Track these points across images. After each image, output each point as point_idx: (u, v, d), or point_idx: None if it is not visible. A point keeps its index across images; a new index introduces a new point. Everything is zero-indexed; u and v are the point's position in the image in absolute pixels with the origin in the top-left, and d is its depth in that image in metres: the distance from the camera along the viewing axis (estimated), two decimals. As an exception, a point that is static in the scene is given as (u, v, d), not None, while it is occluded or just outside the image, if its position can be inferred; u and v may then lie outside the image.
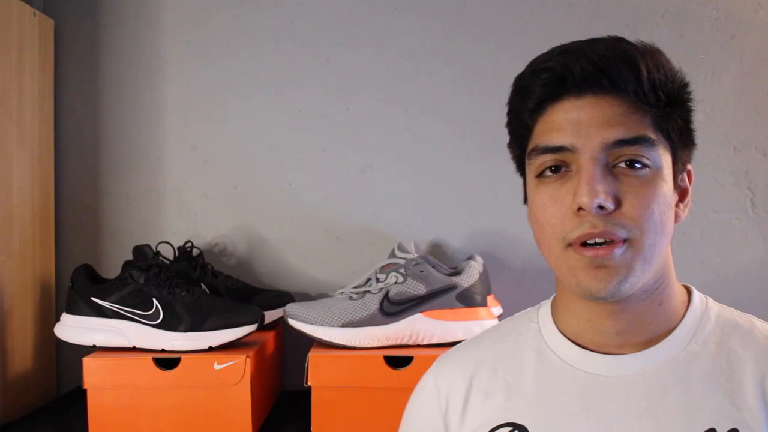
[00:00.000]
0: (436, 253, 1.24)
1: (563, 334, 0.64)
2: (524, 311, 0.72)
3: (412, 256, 1.05)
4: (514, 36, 1.23)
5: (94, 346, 1.01)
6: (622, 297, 0.57)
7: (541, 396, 0.61)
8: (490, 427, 0.62)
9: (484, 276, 1.08)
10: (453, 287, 1.03)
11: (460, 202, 1.24)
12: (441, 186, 1.25)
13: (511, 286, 1.22)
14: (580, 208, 0.56)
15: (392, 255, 1.07)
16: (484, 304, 1.06)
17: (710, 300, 0.64)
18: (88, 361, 0.97)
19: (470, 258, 1.11)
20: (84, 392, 0.98)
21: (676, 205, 0.60)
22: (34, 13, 1.17)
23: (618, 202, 0.55)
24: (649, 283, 0.59)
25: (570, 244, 0.57)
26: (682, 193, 0.62)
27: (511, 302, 1.19)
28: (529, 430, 0.60)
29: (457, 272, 1.06)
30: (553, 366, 0.62)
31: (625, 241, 0.56)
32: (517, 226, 1.24)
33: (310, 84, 1.25)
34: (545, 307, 0.69)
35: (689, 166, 0.62)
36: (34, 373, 1.16)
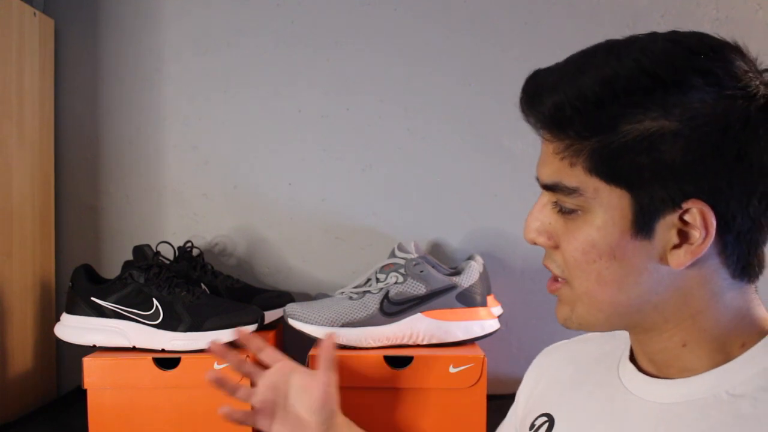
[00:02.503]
0: (436, 253, 1.24)
1: (632, 350, 0.61)
2: None
3: (412, 256, 1.05)
4: (514, 36, 1.23)
5: (94, 346, 1.01)
6: (580, 328, 0.57)
7: (581, 397, 0.62)
8: (535, 415, 0.65)
9: (484, 276, 1.08)
10: (453, 287, 1.03)
11: (460, 202, 1.24)
12: (441, 186, 1.25)
13: (511, 286, 1.22)
14: None
15: (392, 255, 1.07)
16: (484, 304, 1.06)
17: None
18: (88, 361, 0.97)
19: (470, 258, 1.11)
20: (84, 392, 0.98)
21: (678, 246, 0.50)
22: (34, 13, 1.17)
23: (557, 241, 0.54)
24: (641, 323, 0.54)
25: None
26: (681, 236, 0.50)
27: (511, 302, 1.19)
28: (555, 420, 0.62)
29: (457, 272, 1.06)
30: (609, 377, 0.61)
31: (564, 279, 0.55)
32: (517, 226, 1.24)
33: (310, 84, 1.25)
34: None
35: (693, 206, 0.49)
36: (34, 373, 1.16)
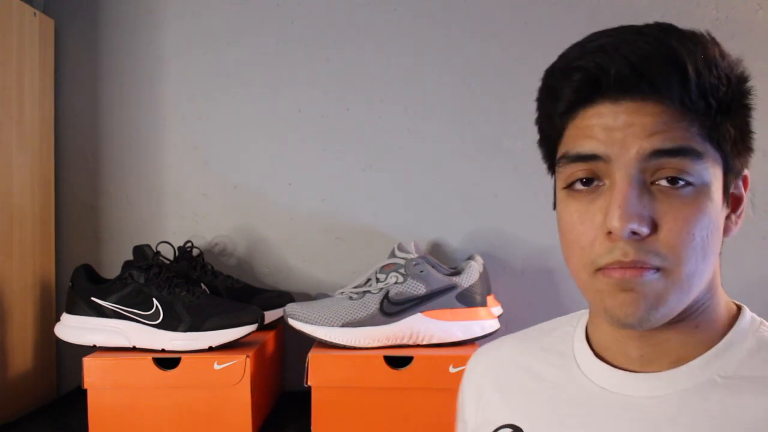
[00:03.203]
0: (436, 253, 1.24)
1: (590, 344, 0.59)
2: (577, 312, 0.66)
3: (412, 256, 1.05)
4: (514, 36, 1.23)
5: (94, 346, 1.01)
6: (653, 326, 0.51)
7: (547, 401, 0.59)
8: (495, 426, 0.60)
9: (484, 276, 1.08)
10: (453, 287, 1.03)
11: (460, 202, 1.24)
12: (441, 186, 1.25)
13: (511, 286, 1.22)
14: (610, 232, 0.49)
15: (392, 255, 1.07)
16: (484, 304, 1.06)
17: (766, 324, 0.55)
18: (88, 361, 0.97)
19: (470, 258, 1.11)
20: (84, 392, 0.98)
21: (728, 217, 0.53)
22: (34, 13, 1.17)
23: (654, 226, 0.49)
24: (686, 308, 0.52)
25: (599, 269, 0.51)
26: (735, 202, 0.53)
27: (511, 302, 1.19)
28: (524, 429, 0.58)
29: (457, 272, 1.06)
30: (571, 376, 0.59)
31: (659, 269, 0.49)
32: (517, 226, 1.24)
33: (310, 84, 1.25)
34: (587, 313, 0.63)
35: (745, 172, 0.54)
36: (34, 373, 1.16)
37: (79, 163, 1.27)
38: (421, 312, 1.02)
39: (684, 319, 0.53)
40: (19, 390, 1.11)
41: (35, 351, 1.16)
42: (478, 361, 0.69)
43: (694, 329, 0.53)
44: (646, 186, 0.49)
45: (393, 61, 1.25)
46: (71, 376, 1.24)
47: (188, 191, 1.27)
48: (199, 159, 1.27)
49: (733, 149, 0.51)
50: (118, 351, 1.00)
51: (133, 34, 1.27)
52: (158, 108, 1.27)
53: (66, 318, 1.03)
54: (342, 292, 1.06)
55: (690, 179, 0.49)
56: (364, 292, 1.03)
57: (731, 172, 0.52)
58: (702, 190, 0.49)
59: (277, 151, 1.26)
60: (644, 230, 0.48)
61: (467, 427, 0.67)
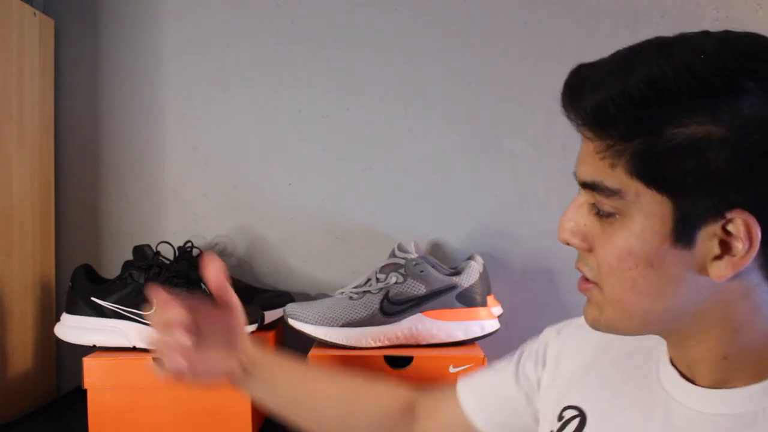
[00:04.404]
0: (436, 253, 1.24)
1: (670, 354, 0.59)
2: None
3: (412, 256, 1.05)
4: (514, 36, 1.22)
5: (94, 346, 1.01)
6: (606, 332, 0.55)
7: (616, 396, 0.59)
8: (563, 405, 0.63)
9: (484, 276, 1.08)
10: (453, 287, 1.03)
11: (460, 202, 1.24)
12: (441, 186, 1.25)
13: (511, 286, 1.22)
14: None
15: (392, 255, 1.07)
16: (484, 304, 1.06)
17: None
18: (88, 361, 0.97)
19: (470, 258, 1.11)
20: (84, 392, 0.98)
21: (719, 258, 0.47)
22: (34, 13, 1.17)
23: (591, 244, 0.52)
24: (677, 332, 0.53)
25: None
26: (723, 246, 0.47)
27: (511, 302, 1.19)
28: (587, 417, 0.60)
29: (457, 272, 1.06)
30: (648, 380, 0.59)
31: (594, 282, 0.53)
32: (517, 226, 1.24)
33: (310, 84, 1.25)
34: None
35: (732, 215, 0.46)
36: (34, 373, 1.16)
37: (79, 163, 1.27)
38: (421, 312, 1.02)
39: (698, 345, 0.52)
40: (19, 390, 1.11)
41: (35, 351, 1.16)
42: (568, 333, 0.69)
43: (723, 360, 0.51)
44: (591, 206, 0.52)
45: (393, 61, 1.25)
46: (71, 376, 1.24)
47: (188, 191, 1.27)
48: (199, 159, 1.27)
49: (686, 186, 0.46)
50: (118, 351, 1.00)
51: (133, 34, 1.27)
52: (158, 108, 1.27)
53: (66, 318, 1.03)
54: (342, 292, 1.06)
55: (607, 210, 0.50)
56: (364, 292, 1.03)
57: (690, 211, 0.47)
58: (622, 224, 0.49)
59: (277, 151, 1.26)
60: (575, 242, 0.53)
61: (525, 369, 0.70)
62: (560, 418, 0.62)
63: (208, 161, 1.27)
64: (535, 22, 1.23)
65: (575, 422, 0.60)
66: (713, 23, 1.19)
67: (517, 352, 0.73)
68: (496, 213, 1.24)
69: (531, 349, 0.72)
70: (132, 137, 1.27)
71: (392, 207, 1.25)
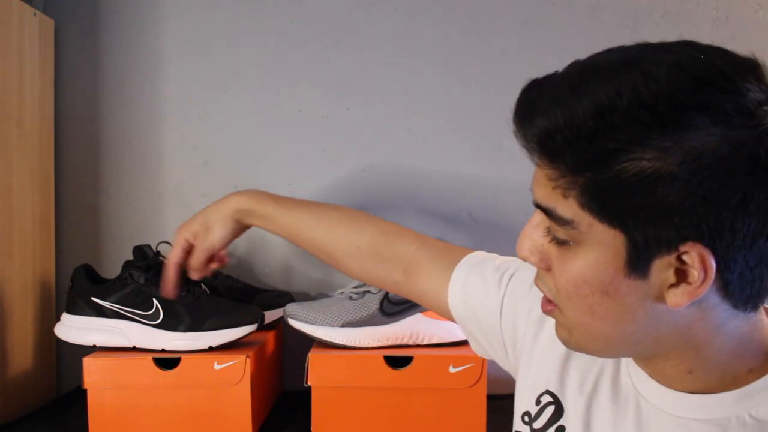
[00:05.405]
0: (436, 253, 1.24)
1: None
2: None
3: (412, 256, 1.05)
4: (514, 36, 1.22)
5: (94, 346, 1.01)
6: (585, 353, 0.55)
7: (589, 390, 0.60)
8: (540, 391, 0.63)
9: (484, 276, 1.08)
10: (453, 287, 1.03)
11: (460, 202, 1.24)
12: (441, 186, 1.25)
13: (511, 286, 1.22)
14: None
15: (392, 255, 1.07)
16: (484, 304, 1.06)
17: None
18: (88, 361, 0.97)
19: (470, 258, 1.11)
20: (84, 392, 0.98)
21: (675, 285, 0.47)
22: (34, 13, 1.17)
23: (549, 264, 0.52)
24: (639, 353, 0.54)
25: None
26: (679, 274, 0.46)
27: (511, 302, 1.19)
28: (564, 408, 0.60)
29: (457, 272, 1.06)
30: (620, 375, 0.59)
31: (555, 304, 0.53)
32: (516, 226, 1.24)
33: (310, 84, 1.25)
34: None
35: (685, 248, 0.45)
36: (34, 373, 1.16)
37: (79, 163, 1.27)
38: (421, 312, 1.02)
39: (666, 362, 0.52)
40: (19, 390, 1.11)
41: (35, 351, 1.16)
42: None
43: (688, 374, 0.52)
44: (549, 233, 0.51)
45: (393, 61, 1.25)
46: (71, 376, 1.24)
47: (188, 191, 1.27)
48: (199, 159, 1.27)
49: (639, 225, 0.45)
50: (118, 351, 1.00)
51: (133, 34, 1.27)
52: (158, 108, 1.27)
53: (66, 318, 1.03)
54: (342, 292, 1.06)
55: (562, 238, 0.49)
56: (364, 292, 1.03)
57: (635, 244, 0.46)
58: (576, 252, 0.49)
59: (277, 151, 1.26)
60: (534, 260, 0.53)
61: (502, 316, 0.69)
62: (538, 402, 0.63)
63: (208, 161, 1.27)
64: (535, 22, 1.23)
65: (550, 409, 0.61)
66: (713, 23, 1.19)
67: (505, 277, 0.72)
68: (496, 212, 1.24)
69: (516, 293, 0.70)
70: (132, 137, 1.27)
71: (392, 207, 1.25)
